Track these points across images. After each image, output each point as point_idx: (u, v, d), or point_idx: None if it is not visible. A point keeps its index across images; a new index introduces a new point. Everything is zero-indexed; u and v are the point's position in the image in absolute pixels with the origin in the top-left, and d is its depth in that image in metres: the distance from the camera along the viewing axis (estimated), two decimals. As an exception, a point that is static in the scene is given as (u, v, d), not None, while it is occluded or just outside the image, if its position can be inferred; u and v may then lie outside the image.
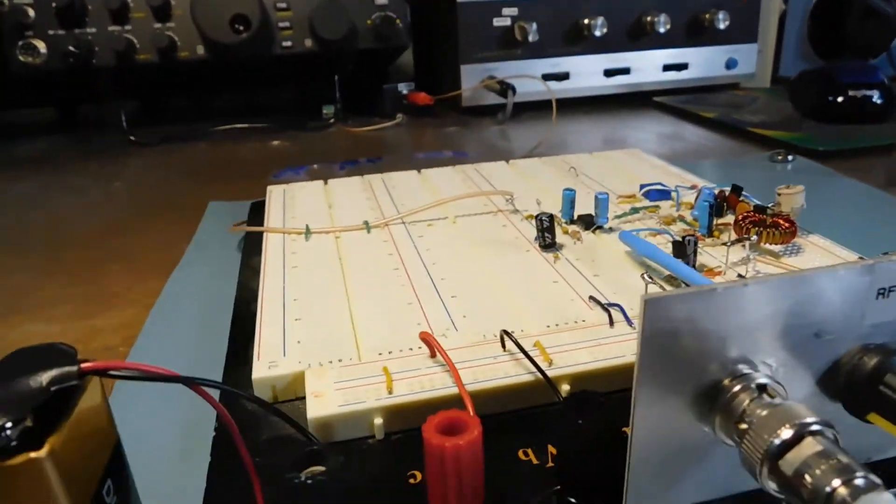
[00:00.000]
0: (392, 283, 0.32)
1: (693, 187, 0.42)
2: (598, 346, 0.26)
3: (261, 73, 0.80)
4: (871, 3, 0.89)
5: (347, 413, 0.23)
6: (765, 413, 0.17)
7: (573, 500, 0.20)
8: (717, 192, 0.39)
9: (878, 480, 0.15)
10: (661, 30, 0.83)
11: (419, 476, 0.21)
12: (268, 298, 0.31)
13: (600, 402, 0.20)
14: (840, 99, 0.70)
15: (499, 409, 0.24)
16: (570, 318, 0.28)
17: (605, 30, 0.82)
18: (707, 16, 0.85)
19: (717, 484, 0.20)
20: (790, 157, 0.58)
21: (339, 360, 0.26)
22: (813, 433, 0.16)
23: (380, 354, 0.26)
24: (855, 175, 0.54)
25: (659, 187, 0.42)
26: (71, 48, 0.66)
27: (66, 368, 0.16)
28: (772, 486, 0.17)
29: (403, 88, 0.84)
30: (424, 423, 0.19)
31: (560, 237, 0.36)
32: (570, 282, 0.32)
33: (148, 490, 0.19)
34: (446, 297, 0.30)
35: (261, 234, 0.40)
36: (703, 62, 0.88)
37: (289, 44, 0.71)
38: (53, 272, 0.43)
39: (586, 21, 0.81)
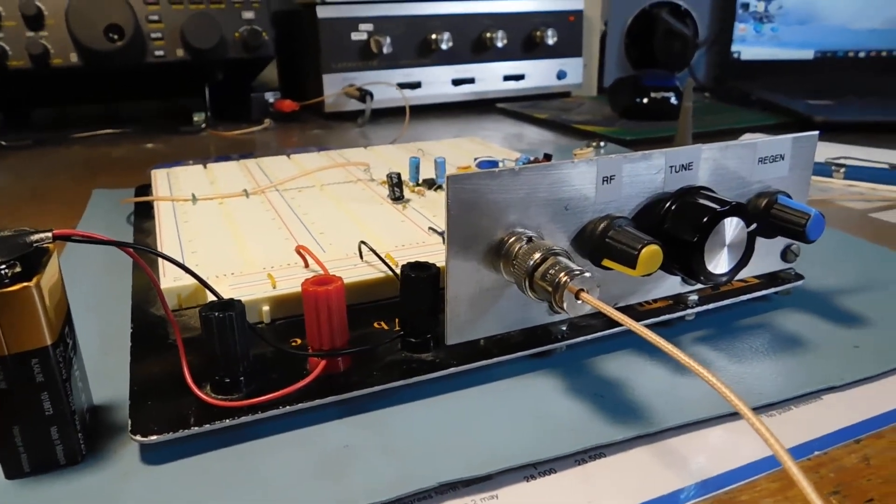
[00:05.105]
0: (271, 228, 0.39)
1: (516, 159, 0.52)
2: (433, 256, 0.34)
3: (133, 81, 0.84)
4: (671, 25, 1.04)
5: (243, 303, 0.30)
6: (525, 249, 0.25)
7: (412, 339, 0.28)
8: (532, 158, 0.48)
9: (589, 273, 0.24)
10: (500, 44, 0.95)
11: (299, 341, 0.29)
12: (166, 241, 0.38)
13: (428, 266, 0.28)
14: (645, 100, 0.83)
15: (360, 301, 0.32)
16: (413, 241, 0.37)
17: (451, 44, 0.92)
18: (538, 33, 0.97)
19: (512, 319, 0.28)
20: (602, 144, 0.69)
21: (232, 274, 0.33)
22: (554, 254, 0.25)
23: (264, 268, 0.33)
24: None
25: (488, 158, 0.51)
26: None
27: (44, 233, 0.22)
28: (533, 295, 0.25)
29: (270, 97, 0.90)
30: (303, 282, 0.26)
31: (408, 195, 0.45)
32: (414, 221, 0.40)
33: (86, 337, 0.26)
34: (316, 233, 0.38)
35: (150, 205, 0.46)
36: (537, 73, 1.00)
37: (161, 53, 0.76)
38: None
39: (434, 36, 0.91)
